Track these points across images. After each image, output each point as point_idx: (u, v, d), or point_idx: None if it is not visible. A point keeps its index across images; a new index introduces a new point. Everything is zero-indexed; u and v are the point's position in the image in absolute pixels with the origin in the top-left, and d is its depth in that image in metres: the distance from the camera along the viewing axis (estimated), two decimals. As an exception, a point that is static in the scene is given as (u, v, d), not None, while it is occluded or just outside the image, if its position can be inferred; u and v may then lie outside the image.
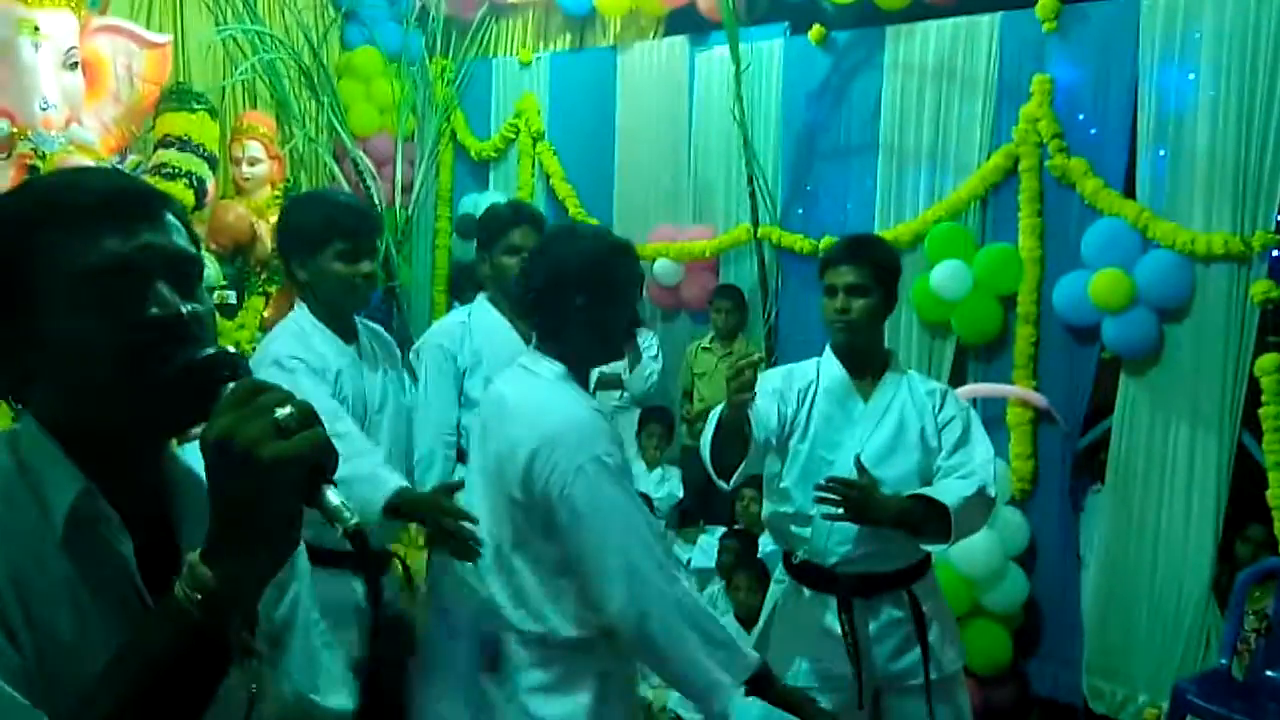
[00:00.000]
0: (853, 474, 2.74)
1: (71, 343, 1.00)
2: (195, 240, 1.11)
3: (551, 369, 2.35)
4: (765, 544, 5.18)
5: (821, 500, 2.67)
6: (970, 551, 4.27)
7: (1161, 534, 4.52)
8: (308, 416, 0.93)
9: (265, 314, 5.83)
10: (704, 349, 5.71)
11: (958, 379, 5.04)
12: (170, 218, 1.08)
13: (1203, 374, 4.38)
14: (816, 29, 5.40)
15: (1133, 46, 4.55)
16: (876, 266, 2.86)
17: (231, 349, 1.05)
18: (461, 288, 6.72)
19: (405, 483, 2.51)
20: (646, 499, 5.21)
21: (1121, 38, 4.59)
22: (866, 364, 2.92)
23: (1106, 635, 4.66)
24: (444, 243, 6.91)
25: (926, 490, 2.74)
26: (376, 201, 6.44)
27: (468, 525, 2.33)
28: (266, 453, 0.90)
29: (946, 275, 4.86)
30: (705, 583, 5.02)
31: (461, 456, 3.38)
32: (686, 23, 5.98)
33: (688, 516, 5.62)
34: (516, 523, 2.28)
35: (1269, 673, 3.92)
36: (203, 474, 0.99)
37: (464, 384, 3.45)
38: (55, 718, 0.92)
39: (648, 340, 5.74)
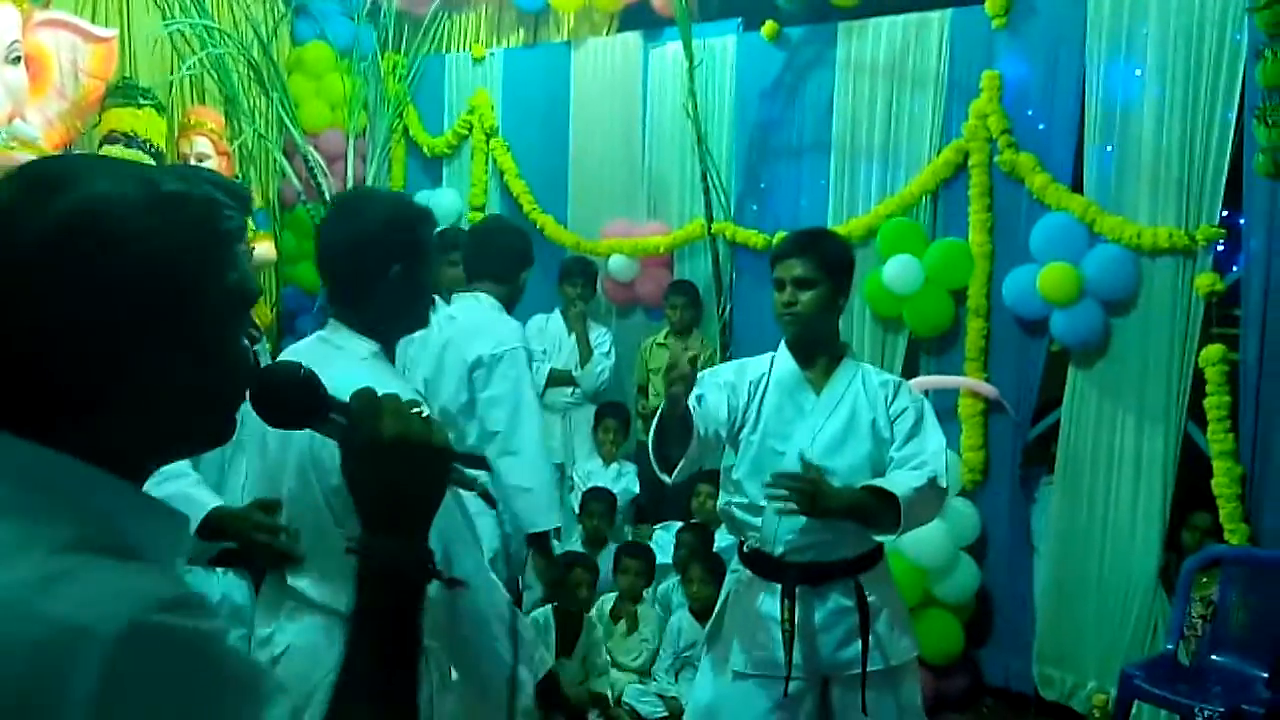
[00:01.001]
0: (798, 462, 2.77)
1: (220, 358, 0.97)
2: None
3: (362, 346, 2.18)
4: (721, 537, 5.20)
5: (773, 497, 2.70)
6: (922, 542, 4.31)
7: (1110, 523, 4.60)
8: (417, 404, 1.17)
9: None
10: (659, 344, 5.72)
11: (910, 371, 5.09)
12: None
13: (1149, 365, 4.46)
14: (769, 25, 5.42)
15: (1080, 43, 4.61)
16: (824, 259, 2.87)
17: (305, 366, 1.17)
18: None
19: (219, 501, 2.37)
20: (607, 493, 5.23)
21: (1069, 34, 4.66)
22: (818, 356, 2.94)
23: (1057, 623, 4.73)
24: (397, 239, 6.85)
25: (878, 481, 2.76)
26: (328, 198, 6.38)
27: (284, 539, 2.17)
28: (438, 439, 1.13)
29: (898, 269, 4.90)
30: (663, 577, 5.04)
31: None
32: (640, 19, 5.98)
33: (644, 512, 5.62)
34: (335, 509, 2.09)
35: (1214, 657, 4.01)
36: None
37: None
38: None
39: (600, 337, 5.75)
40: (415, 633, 1.12)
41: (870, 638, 2.84)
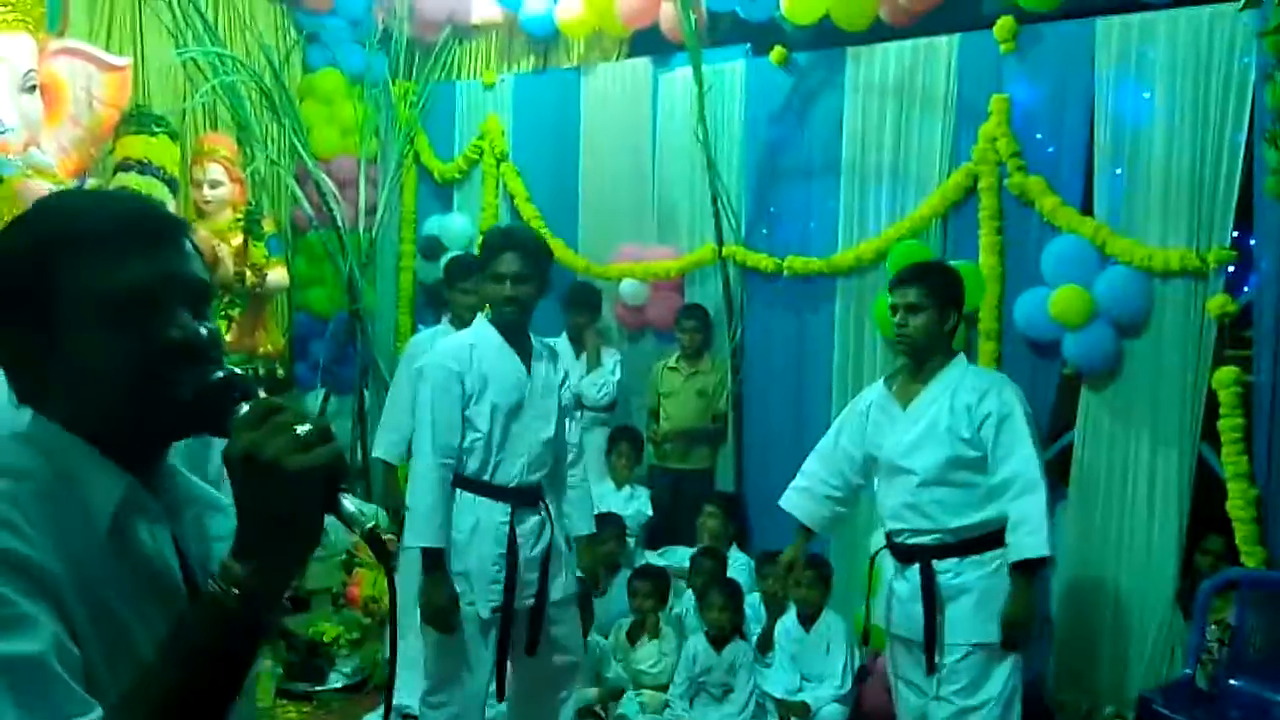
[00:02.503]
0: (893, 463, 3.40)
1: (94, 359, 1.06)
2: (205, 266, 1.17)
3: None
4: (733, 559, 5.21)
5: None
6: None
7: (1124, 546, 4.58)
8: (324, 432, 1.02)
9: (228, 339, 5.78)
10: (670, 369, 5.72)
11: (922, 395, 5.07)
12: (189, 245, 1.14)
13: (1162, 388, 4.45)
14: (778, 50, 5.45)
15: (1089, 66, 4.63)
16: (932, 287, 3.36)
17: (238, 370, 1.11)
18: (426, 310, 6.71)
19: None
20: (617, 517, 5.22)
21: (1078, 58, 4.68)
22: (926, 370, 3.42)
23: (1072, 647, 4.70)
24: (408, 265, 6.88)
25: (1018, 553, 3.26)
26: (340, 223, 6.42)
27: None
28: (292, 464, 0.98)
29: (910, 293, 4.89)
30: (676, 600, 5.03)
31: (457, 480, 3.42)
32: (649, 44, 6.02)
33: (657, 535, 5.61)
34: None
35: (1232, 681, 3.98)
36: (205, 487, 1.16)
37: (468, 409, 3.42)
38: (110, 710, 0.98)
39: (609, 357, 5.76)
40: (224, 682, 1.01)
41: (943, 615, 3.33)
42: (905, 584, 3.42)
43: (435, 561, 3.36)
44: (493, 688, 3.48)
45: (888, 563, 3.54)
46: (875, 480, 3.55)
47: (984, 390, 3.33)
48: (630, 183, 6.10)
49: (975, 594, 3.31)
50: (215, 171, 5.89)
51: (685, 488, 5.64)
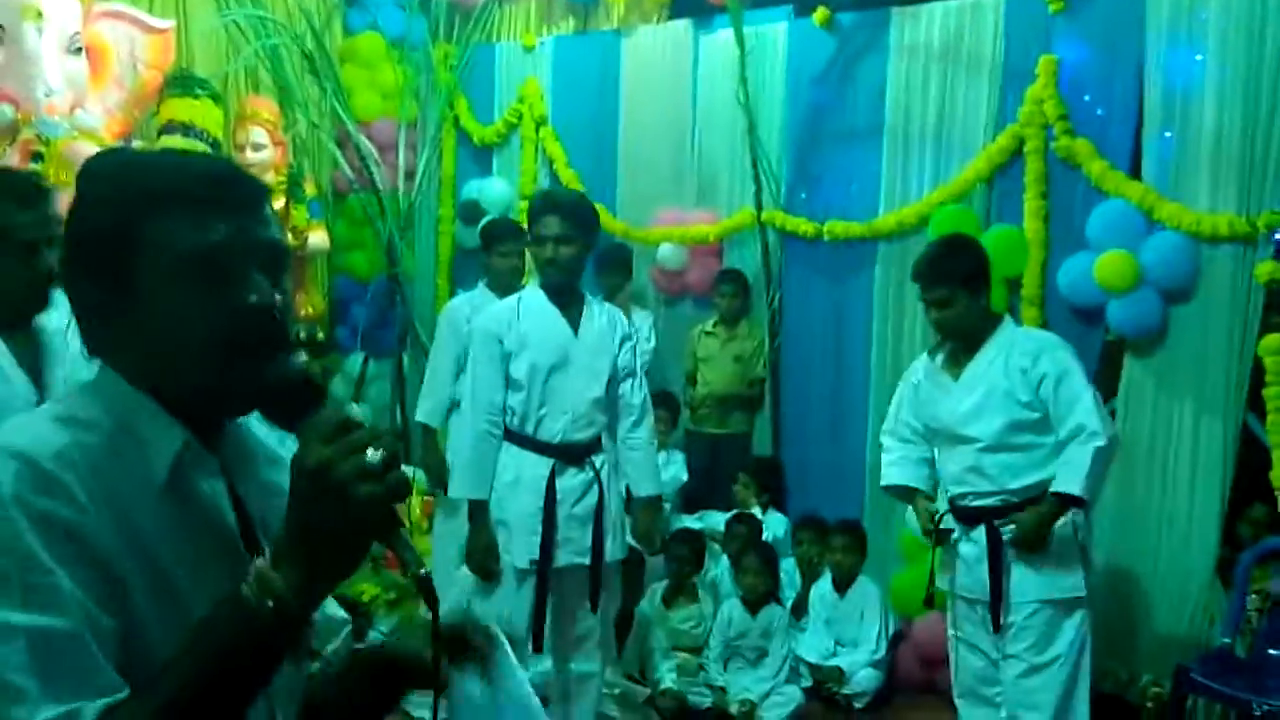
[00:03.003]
0: (953, 433, 3.42)
1: (170, 316, 1.06)
2: (281, 231, 1.17)
3: None
4: (770, 522, 5.21)
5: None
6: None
7: (1166, 514, 4.53)
8: (394, 459, 0.99)
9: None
10: (707, 333, 5.71)
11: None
12: (268, 210, 1.13)
13: (1207, 355, 4.38)
14: (821, 11, 5.38)
15: (1139, 27, 4.54)
16: (953, 277, 3.36)
17: (314, 374, 1.13)
18: (465, 273, 6.72)
19: None
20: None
21: (1128, 18, 4.58)
22: (967, 346, 3.43)
23: (1112, 616, 4.66)
24: (447, 229, 6.89)
25: (1058, 486, 3.29)
26: (379, 187, 6.44)
27: None
28: (361, 492, 0.96)
29: (951, 258, 4.84)
30: (713, 564, 5.05)
31: (506, 434, 3.56)
32: (691, 6, 5.96)
33: (693, 499, 5.62)
34: None
35: (1271, 651, 3.94)
36: (264, 442, 1.17)
37: (509, 367, 3.51)
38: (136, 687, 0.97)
39: (641, 320, 5.73)
40: (245, 682, 1.01)
41: (1009, 574, 3.38)
42: (972, 545, 3.44)
43: (476, 511, 3.54)
44: (531, 640, 3.57)
45: (952, 526, 3.53)
46: (935, 448, 3.57)
47: (1037, 352, 3.35)
48: (670, 146, 6.07)
49: (1045, 554, 3.35)
50: (258, 134, 5.92)
51: (722, 452, 5.65)
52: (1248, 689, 3.77)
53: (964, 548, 3.47)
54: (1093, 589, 4.63)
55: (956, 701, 3.61)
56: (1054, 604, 3.37)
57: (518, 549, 3.52)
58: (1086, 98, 4.73)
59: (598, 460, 3.59)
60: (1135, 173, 4.57)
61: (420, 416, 4.88)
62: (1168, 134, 4.49)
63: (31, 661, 0.93)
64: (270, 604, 0.97)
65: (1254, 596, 4.10)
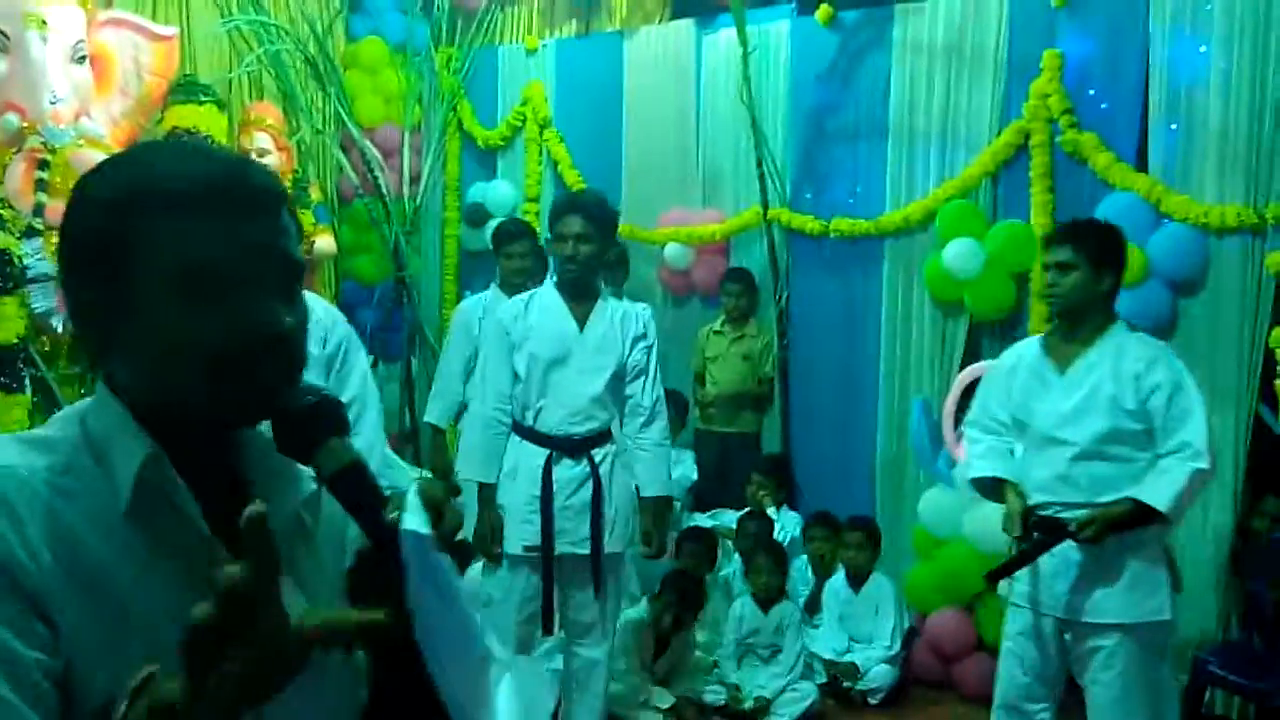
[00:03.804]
0: (1046, 434, 3.15)
1: (164, 329, 0.96)
2: (300, 238, 1.05)
3: None
4: (783, 520, 5.21)
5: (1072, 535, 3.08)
6: (991, 528, 4.26)
7: (1179, 507, 4.51)
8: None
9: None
10: (715, 333, 5.70)
11: (971, 356, 5.05)
12: (284, 218, 1.02)
13: (1218, 347, 4.38)
14: (824, 9, 5.39)
15: (1143, 19, 4.54)
16: (1084, 245, 3.16)
17: (330, 395, 0.99)
18: (471, 276, 6.72)
19: None
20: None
21: (1132, 11, 4.59)
22: (1081, 332, 3.20)
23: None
24: (453, 232, 6.90)
25: (1144, 495, 3.03)
26: (385, 192, 6.44)
27: None
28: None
29: (958, 253, 4.85)
30: (724, 562, 5.04)
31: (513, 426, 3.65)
32: (693, 6, 5.97)
33: (704, 498, 5.62)
34: None
35: (1289, 643, 3.93)
36: (282, 456, 1.00)
37: (515, 356, 3.61)
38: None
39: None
40: None
41: (1088, 592, 3.12)
42: (1052, 558, 3.16)
43: (481, 493, 3.63)
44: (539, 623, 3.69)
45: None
46: (1021, 448, 3.30)
47: (1152, 359, 3.11)
48: (674, 146, 6.07)
49: (1129, 573, 3.10)
50: (263, 140, 5.92)
51: (732, 451, 5.64)
52: (1265, 681, 3.76)
53: (1044, 561, 3.18)
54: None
55: (995, 712, 3.39)
56: (1136, 628, 3.11)
57: (512, 535, 3.62)
58: (1091, 91, 4.73)
59: (597, 454, 3.64)
60: (1142, 165, 4.57)
61: (430, 418, 4.90)
62: (1173, 126, 4.49)
63: None
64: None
65: (1271, 589, 4.09)
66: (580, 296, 3.64)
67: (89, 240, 0.98)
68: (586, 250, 3.57)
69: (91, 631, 0.91)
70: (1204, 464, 3.02)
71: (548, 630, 3.71)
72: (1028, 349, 3.36)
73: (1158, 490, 3.02)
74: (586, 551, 3.62)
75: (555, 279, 3.69)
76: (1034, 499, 3.20)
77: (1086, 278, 3.15)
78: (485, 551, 3.65)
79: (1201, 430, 3.05)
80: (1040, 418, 3.20)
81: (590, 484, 3.61)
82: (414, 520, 0.91)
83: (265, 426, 1.01)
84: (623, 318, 3.70)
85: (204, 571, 0.90)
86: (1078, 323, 3.21)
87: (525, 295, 3.75)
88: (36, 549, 0.90)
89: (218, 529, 0.99)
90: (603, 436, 3.65)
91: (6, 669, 0.86)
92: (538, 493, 3.57)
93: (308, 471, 1.04)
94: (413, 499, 0.92)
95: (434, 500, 0.93)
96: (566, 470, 3.61)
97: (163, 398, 0.98)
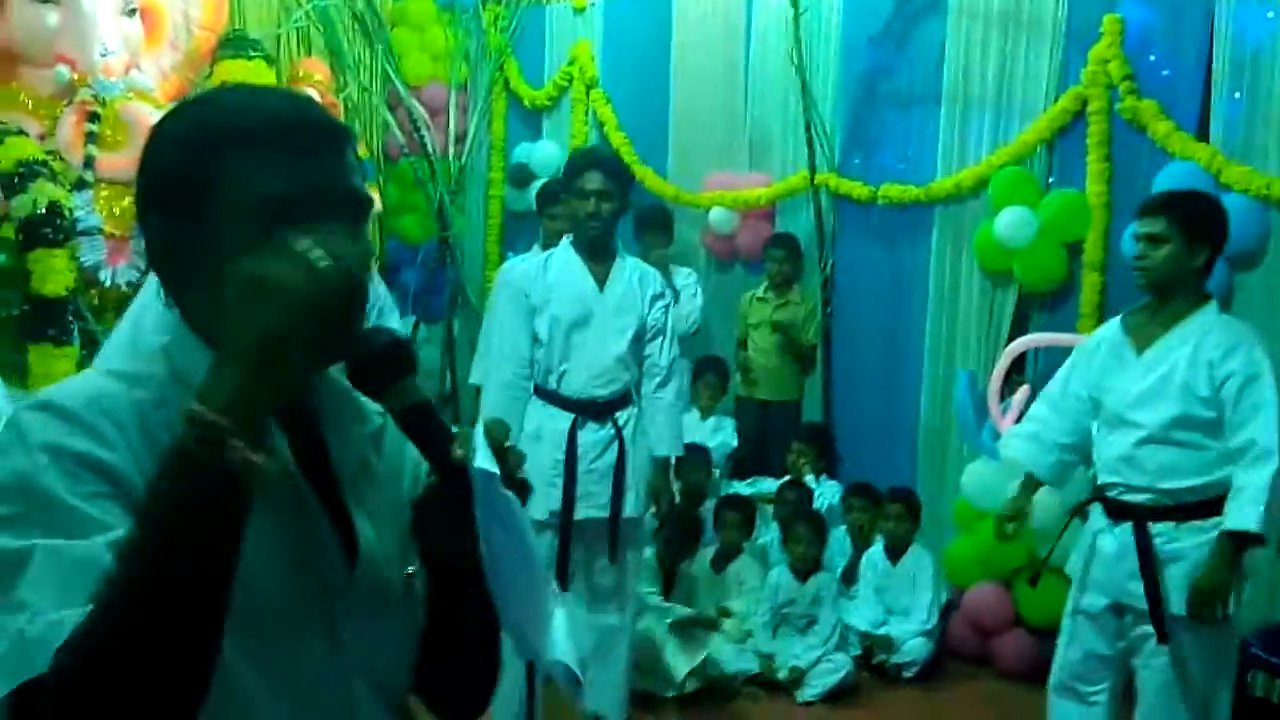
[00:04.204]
0: (1118, 414, 3.08)
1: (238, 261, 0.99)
2: (366, 177, 1.11)
3: None
4: (823, 493, 5.17)
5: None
6: (1034, 502, 4.21)
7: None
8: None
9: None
10: (759, 299, 5.65)
11: (1020, 328, 4.96)
12: (350, 155, 1.07)
13: (1276, 321, 4.25)
14: (878, -31, 5.28)
15: (1208, -16, 4.40)
16: (1176, 217, 3.02)
17: (402, 337, 1.04)
18: (516, 237, 6.71)
19: None
20: (702, 448, 5.21)
21: (1197, -26, 4.44)
22: (1169, 309, 3.08)
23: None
24: (497, 192, 6.88)
25: (1229, 524, 2.92)
26: (430, 151, 6.42)
27: None
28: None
29: (1010, 222, 4.76)
30: (762, 531, 5.02)
31: (535, 390, 3.61)
32: (744, -35, 5.86)
33: (743, 466, 5.59)
34: None
35: (1338, 627, 3.84)
36: (353, 394, 1.10)
37: (534, 321, 3.57)
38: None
39: (685, 279, 5.66)
40: (202, 541, 0.87)
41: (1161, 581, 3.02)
42: (1113, 541, 3.11)
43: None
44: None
45: (1095, 515, 3.24)
46: (1095, 426, 3.22)
47: (1231, 346, 2.98)
48: (722, 108, 5.99)
49: (1190, 562, 3.00)
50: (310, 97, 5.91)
51: (773, 419, 5.60)
52: (1311, 664, 3.68)
53: (1104, 542, 3.14)
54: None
55: (1049, 692, 3.34)
56: (1195, 621, 3.02)
57: (536, 501, 3.57)
58: (1152, 58, 4.61)
59: (620, 417, 3.63)
60: (1203, 135, 4.45)
61: (475, 379, 4.89)
62: (1237, 95, 4.37)
63: (42, 576, 0.88)
64: (195, 432, 0.86)
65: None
66: (599, 256, 3.61)
67: (166, 179, 1.04)
68: (609, 207, 3.53)
69: None
70: (1275, 464, 2.88)
71: (564, 587, 3.68)
72: (1110, 327, 3.26)
73: (1243, 513, 2.90)
74: (606, 515, 3.60)
75: (573, 238, 3.64)
76: (1102, 478, 3.16)
77: (1179, 251, 3.01)
78: None
79: (1273, 427, 2.91)
80: (1113, 397, 3.11)
81: (615, 447, 3.60)
82: (482, 458, 0.98)
83: (334, 369, 1.07)
84: (640, 277, 3.68)
85: (286, 502, 1.04)
86: (1166, 300, 3.08)
87: (541, 256, 3.71)
88: (135, 461, 0.96)
89: (295, 460, 1.07)
90: (625, 399, 3.64)
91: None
92: (562, 457, 3.54)
93: (374, 409, 1.13)
94: (479, 438, 1.00)
95: (497, 440, 1.02)
96: (591, 434, 3.58)
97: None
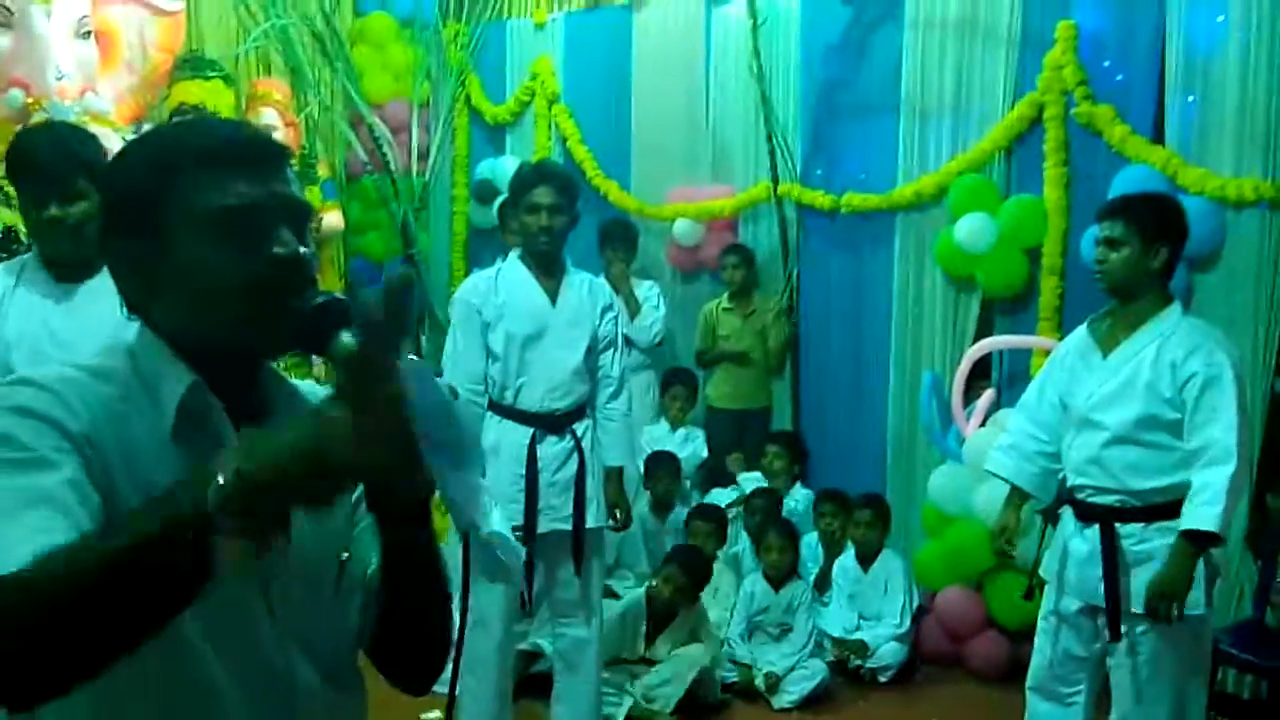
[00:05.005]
0: (1085, 416, 3.11)
1: (204, 269, 1.14)
2: (300, 187, 1.23)
3: None
4: (792, 500, 5.18)
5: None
6: (994, 504, 4.23)
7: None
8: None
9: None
10: (725, 309, 5.66)
11: (984, 331, 5.01)
12: (290, 171, 1.22)
13: (1234, 321, 4.31)
14: (835, -19, 5.32)
15: (1160, -11, 4.47)
16: (1134, 220, 3.04)
17: (340, 296, 1.15)
18: (480, 253, 6.69)
19: None
20: (671, 456, 5.22)
21: (1148, -19, 4.50)
22: (1129, 312, 3.11)
23: (1137, 587, 4.62)
24: (461, 209, 6.86)
25: (1187, 523, 2.94)
26: (393, 168, 6.40)
27: None
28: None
29: (971, 228, 4.80)
30: (734, 540, 5.03)
31: (489, 404, 3.59)
32: (702, -22, 5.89)
33: (713, 476, 5.60)
34: None
35: (1303, 621, 3.90)
36: (301, 392, 1.24)
37: (488, 337, 3.54)
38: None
39: (648, 290, 5.69)
40: (158, 582, 0.93)
41: (1124, 582, 3.05)
42: (1083, 543, 3.13)
43: None
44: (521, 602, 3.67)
45: (1067, 518, 3.25)
46: (1066, 430, 3.24)
47: (1194, 347, 2.99)
48: (683, 121, 6.01)
49: (1160, 563, 3.00)
50: (269, 116, 5.88)
51: (745, 427, 5.62)
52: (1278, 659, 3.73)
53: (1075, 544, 3.16)
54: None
55: (1027, 693, 3.35)
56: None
57: (499, 516, 3.54)
58: (1106, 63, 4.67)
59: (578, 428, 3.63)
60: (1158, 138, 4.51)
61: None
62: (1190, 98, 4.42)
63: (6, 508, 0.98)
64: (220, 483, 0.91)
65: (1284, 566, 4.05)
66: (549, 270, 3.61)
67: (134, 198, 1.16)
68: (560, 221, 3.53)
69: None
70: (1232, 464, 2.91)
71: (525, 609, 3.70)
72: (1077, 334, 3.29)
73: (1201, 513, 2.92)
74: (570, 527, 3.60)
75: (521, 252, 3.64)
76: (1071, 480, 3.19)
77: (1137, 253, 3.04)
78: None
79: (1231, 428, 2.93)
80: (1080, 399, 3.14)
81: (575, 459, 3.61)
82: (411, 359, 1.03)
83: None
84: (590, 288, 3.69)
85: None
86: (1128, 302, 3.10)
87: (490, 272, 3.69)
88: (102, 439, 1.07)
89: None
90: (581, 410, 3.65)
91: (86, 503, 1.01)
92: (523, 471, 3.54)
93: (318, 402, 1.15)
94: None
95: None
96: (551, 447, 3.58)
97: (204, 330, 1.15)
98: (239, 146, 1.17)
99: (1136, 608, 3.02)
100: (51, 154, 2.46)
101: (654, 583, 4.44)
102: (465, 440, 1.09)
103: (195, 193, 1.14)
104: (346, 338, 1.07)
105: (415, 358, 1.01)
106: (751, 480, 5.29)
